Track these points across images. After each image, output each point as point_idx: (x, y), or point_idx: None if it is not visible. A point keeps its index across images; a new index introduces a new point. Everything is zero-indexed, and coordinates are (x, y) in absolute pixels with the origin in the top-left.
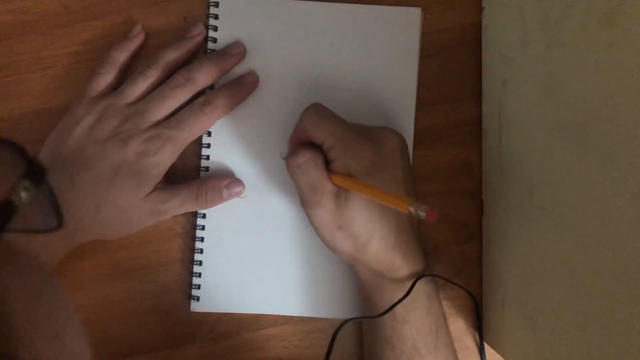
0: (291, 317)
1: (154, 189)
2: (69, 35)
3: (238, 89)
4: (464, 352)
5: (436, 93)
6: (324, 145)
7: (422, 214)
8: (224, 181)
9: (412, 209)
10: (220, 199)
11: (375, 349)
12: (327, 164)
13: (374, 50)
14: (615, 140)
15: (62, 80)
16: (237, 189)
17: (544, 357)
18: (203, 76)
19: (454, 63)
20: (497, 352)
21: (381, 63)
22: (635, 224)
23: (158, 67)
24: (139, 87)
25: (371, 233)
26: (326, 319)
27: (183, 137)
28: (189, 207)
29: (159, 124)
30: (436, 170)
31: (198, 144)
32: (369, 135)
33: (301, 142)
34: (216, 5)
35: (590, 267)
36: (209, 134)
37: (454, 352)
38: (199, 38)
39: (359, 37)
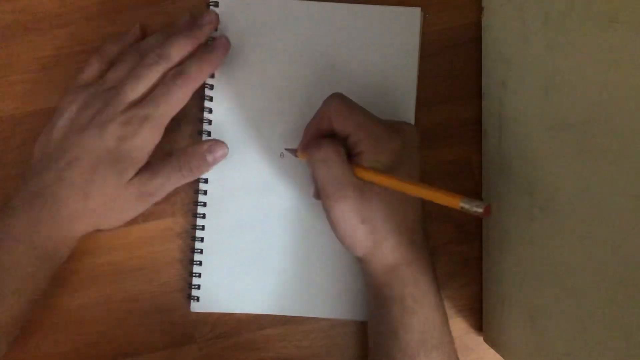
0: (291, 317)
1: (138, 173)
2: (69, 35)
3: (208, 55)
4: (463, 352)
5: (436, 93)
6: (349, 138)
7: (478, 210)
8: (204, 145)
9: (464, 205)
10: (206, 164)
11: (380, 342)
12: (349, 156)
13: (373, 50)
14: (615, 141)
15: (61, 80)
16: (220, 151)
17: (544, 357)
18: (176, 51)
19: (454, 63)
20: (497, 352)
21: (381, 63)
22: (635, 224)
23: (139, 52)
24: (119, 72)
25: (390, 227)
26: (326, 319)
27: (160, 113)
28: (176, 182)
29: (135, 104)
30: (436, 170)
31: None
32: (394, 129)
33: (319, 132)
34: (216, 5)
35: (590, 267)
36: (209, 134)
37: (455, 352)
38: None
39: (358, 37)
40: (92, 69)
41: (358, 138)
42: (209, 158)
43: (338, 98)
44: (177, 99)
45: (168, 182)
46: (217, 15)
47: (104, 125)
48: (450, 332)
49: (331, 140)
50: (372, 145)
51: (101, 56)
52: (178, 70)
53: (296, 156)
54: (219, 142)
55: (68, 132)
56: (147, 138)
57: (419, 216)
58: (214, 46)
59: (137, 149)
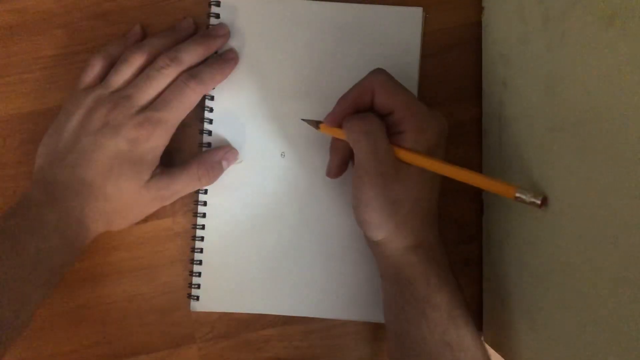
0: (291, 317)
1: (153, 175)
2: (68, 35)
3: (221, 64)
4: None
5: (436, 93)
6: (393, 115)
7: (536, 201)
8: (220, 153)
9: (521, 196)
10: (221, 170)
11: (406, 327)
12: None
13: (375, 50)
14: (615, 140)
15: (61, 80)
16: (233, 157)
17: (544, 357)
18: (188, 56)
19: (454, 63)
20: (497, 352)
21: (382, 63)
22: (635, 224)
23: (143, 53)
24: (123, 73)
25: (416, 210)
26: (326, 319)
27: (172, 117)
28: (192, 188)
29: (147, 107)
30: None
31: (198, 144)
32: (433, 113)
33: (355, 106)
34: (217, 4)
35: (590, 267)
36: (210, 133)
37: (479, 335)
38: (188, 31)
39: (360, 36)
40: (93, 70)
41: (402, 116)
42: (224, 164)
43: (384, 73)
44: (189, 102)
45: (185, 188)
46: (229, 30)
47: (117, 128)
48: (471, 316)
49: (377, 119)
50: (416, 125)
51: (103, 57)
52: (191, 74)
53: (317, 128)
54: (232, 150)
55: (79, 134)
56: (160, 140)
57: (437, 201)
58: (226, 57)
59: (149, 151)
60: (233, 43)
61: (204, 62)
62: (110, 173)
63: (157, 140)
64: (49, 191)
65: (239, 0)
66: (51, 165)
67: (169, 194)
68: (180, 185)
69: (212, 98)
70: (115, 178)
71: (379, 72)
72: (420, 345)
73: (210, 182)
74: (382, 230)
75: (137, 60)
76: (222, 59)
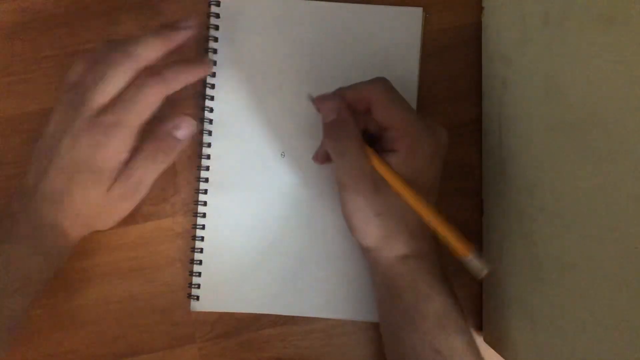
0: (291, 317)
1: (115, 180)
2: (68, 35)
3: (190, 65)
4: None
5: (436, 93)
6: (388, 132)
7: (483, 271)
8: (169, 124)
9: (472, 259)
10: (176, 142)
11: (398, 334)
12: (370, 141)
13: (375, 50)
14: (615, 141)
15: (61, 80)
16: (186, 125)
17: (544, 357)
18: (145, 50)
19: (454, 63)
20: (497, 352)
21: (382, 63)
22: (635, 224)
23: (112, 51)
24: (94, 73)
25: (404, 222)
26: (326, 319)
27: (128, 118)
28: (155, 171)
29: (104, 109)
30: None
31: (199, 142)
32: (431, 131)
33: (339, 98)
34: (217, 4)
35: (590, 267)
36: (210, 133)
37: (475, 340)
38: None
39: (360, 36)
40: (76, 70)
41: (398, 135)
42: (179, 134)
43: (384, 84)
44: (147, 102)
45: (146, 174)
46: (198, 22)
47: (76, 134)
48: (466, 322)
49: (354, 132)
50: (409, 147)
51: (89, 56)
52: (151, 71)
53: (317, 109)
54: (183, 116)
55: (50, 139)
56: (120, 146)
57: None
58: (199, 60)
59: (110, 158)
60: (233, 43)
61: (173, 62)
62: (72, 181)
63: (116, 146)
64: (25, 198)
65: (239, 1)
66: (32, 170)
67: (133, 186)
68: (138, 173)
69: (212, 98)
70: (77, 186)
71: (379, 82)
72: (411, 352)
73: (168, 158)
74: (369, 240)
75: (108, 60)
76: (192, 61)
